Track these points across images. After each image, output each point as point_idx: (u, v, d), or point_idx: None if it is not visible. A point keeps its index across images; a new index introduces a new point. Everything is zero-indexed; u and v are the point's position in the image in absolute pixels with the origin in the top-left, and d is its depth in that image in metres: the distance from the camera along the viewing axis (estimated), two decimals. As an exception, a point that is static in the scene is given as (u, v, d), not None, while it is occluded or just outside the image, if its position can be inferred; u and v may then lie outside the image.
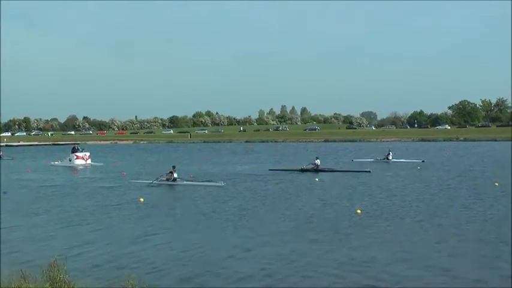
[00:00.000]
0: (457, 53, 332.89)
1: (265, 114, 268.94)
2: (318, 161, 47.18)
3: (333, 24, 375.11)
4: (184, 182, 36.92)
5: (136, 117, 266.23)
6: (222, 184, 35.03)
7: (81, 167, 57.55)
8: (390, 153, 59.32)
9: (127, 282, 11.86)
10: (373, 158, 61.10)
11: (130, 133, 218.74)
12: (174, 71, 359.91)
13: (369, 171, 44.82)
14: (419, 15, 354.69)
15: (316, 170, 46.00)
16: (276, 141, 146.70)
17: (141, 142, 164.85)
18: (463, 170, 46.07)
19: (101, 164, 60.53)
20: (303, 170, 46.26)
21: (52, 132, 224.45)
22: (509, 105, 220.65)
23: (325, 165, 48.72)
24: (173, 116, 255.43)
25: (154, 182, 37.17)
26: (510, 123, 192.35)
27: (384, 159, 58.49)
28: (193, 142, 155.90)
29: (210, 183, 35.90)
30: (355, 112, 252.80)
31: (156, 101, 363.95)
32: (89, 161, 61.73)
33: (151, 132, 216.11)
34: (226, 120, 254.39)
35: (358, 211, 24.11)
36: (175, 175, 36.89)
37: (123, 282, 12.05)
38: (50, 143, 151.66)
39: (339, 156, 70.65)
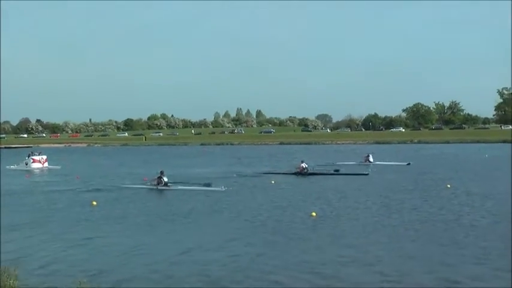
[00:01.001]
0: (410, 56, 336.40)
1: (221, 117, 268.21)
2: (304, 164, 45.75)
3: (285, 28, 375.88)
4: (179, 187, 35.27)
5: (90, 120, 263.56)
6: (223, 189, 33.38)
7: (37, 171, 56.45)
8: (370, 155, 58.46)
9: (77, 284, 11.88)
10: (354, 161, 59.73)
11: (85, 136, 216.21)
12: (128, 74, 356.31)
13: (367, 174, 44.29)
14: (373, 19, 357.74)
15: (306, 173, 44.87)
16: (231, 144, 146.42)
17: (96, 145, 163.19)
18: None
19: (59, 167, 59.35)
20: (296, 173, 45.19)
21: (4, 135, 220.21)
22: (462, 108, 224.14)
23: (316, 169, 47.28)
24: (128, 119, 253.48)
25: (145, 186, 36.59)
26: (463, 126, 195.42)
27: (365, 161, 57.52)
28: (148, 145, 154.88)
29: (209, 188, 34.44)
30: (311, 115, 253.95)
31: (111, 104, 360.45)
32: (46, 164, 60.66)
33: (105, 135, 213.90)
34: (181, 123, 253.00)
35: (313, 214, 24.03)
36: (165, 179, 35.76)
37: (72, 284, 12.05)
38: (3, 146, 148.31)
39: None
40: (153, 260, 16.26)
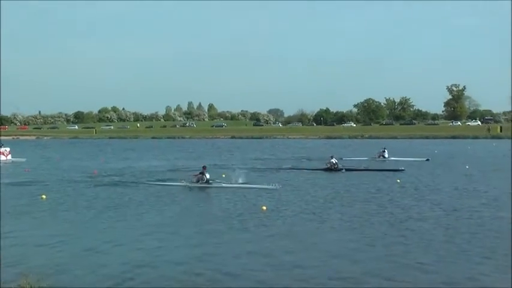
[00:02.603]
0: (362, 53, 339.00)
1: (172, 110, 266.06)
2: (333, 160, 43.88)
3: (237, 23, 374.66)
4: (223, 185, 32.00)
5: (40, 112, 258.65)
6: (277, 187, 30.74)
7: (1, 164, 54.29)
8: (386, 151, 55.74)
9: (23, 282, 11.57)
10: (367, 156, 56.70)
11: (33, 128, 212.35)
12: (78, 66, 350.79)
13: (403, 170, 42.34)
14: (325, 16, 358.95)
15: (337, 169, 42.90)
16: (183, 138, 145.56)
17: (45, 138, 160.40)
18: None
19: (24, 159, 57.66)
20: (325, 170, 43.28)
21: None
22: (412, 104, 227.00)
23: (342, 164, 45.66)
24: (78, 112, 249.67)
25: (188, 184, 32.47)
26: (413, 121, 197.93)
27: (380, 157, 54.84)
28: (98, 138, 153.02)
29: (262, 186, 31.86)
30: (263, 109, 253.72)
31: (61, 96, 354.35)
32: (9, 157, 58.53)
33: (55, 128, 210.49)
34: (132, 116, 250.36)
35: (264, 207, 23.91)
36: (207, 176, 31.96)
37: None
38: None
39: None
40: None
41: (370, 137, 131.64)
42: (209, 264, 14.98)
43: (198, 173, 32.49)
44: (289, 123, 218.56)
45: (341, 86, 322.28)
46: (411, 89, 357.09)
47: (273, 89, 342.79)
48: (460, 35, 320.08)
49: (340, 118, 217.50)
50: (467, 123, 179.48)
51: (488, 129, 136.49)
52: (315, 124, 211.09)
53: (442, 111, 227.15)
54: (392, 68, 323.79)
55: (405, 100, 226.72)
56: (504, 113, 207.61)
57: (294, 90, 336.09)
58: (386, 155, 54.83)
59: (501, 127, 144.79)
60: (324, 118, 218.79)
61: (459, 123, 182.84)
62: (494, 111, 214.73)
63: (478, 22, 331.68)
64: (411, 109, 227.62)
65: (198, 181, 31.97)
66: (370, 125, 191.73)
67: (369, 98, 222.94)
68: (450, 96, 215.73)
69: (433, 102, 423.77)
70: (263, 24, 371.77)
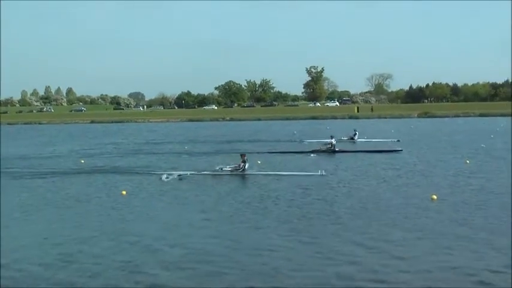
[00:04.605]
0: (222, 36, 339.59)
1: (28, 95, 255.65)
2: (333, 140, 41.61)
3: (93, 7, 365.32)
4: (261, 173, 29.09)
5: None
6: (323, 173, 27.81)
7: None
8: (357, 133, 53.05)
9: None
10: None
11: None
12: None
13: (401, 150, 40.58)
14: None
15: (334, 151, 40.37)
16: (40, 123, 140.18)
17: None
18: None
19: None
20: (315, 151, 40.46)
21: None
22: (273, 86, 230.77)
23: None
24: None
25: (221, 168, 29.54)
26: (274, 103, 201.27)
27: (349, 139, 51.63)
28: None
29: (307, 172, 28.96)
30: (123, 93, 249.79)
31: None
32: None
33: None
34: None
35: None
36: (247, 165, 29.14)
37: None
38: None
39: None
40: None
41: (231, 120, 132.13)
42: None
43: (240, 161, 29.34)
44: (150, 107, 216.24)
45: (202, 69, 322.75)
46: (272, 71, 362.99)
47: (134, 72, 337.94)
48: (319, 17, 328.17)
49: (202, 101, 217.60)
50: (326, 104, 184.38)
51: (371, 109, 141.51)
52: (176, 107, 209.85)
53: (302, 93, 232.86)
54: (253, 50, 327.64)
55: (266, 82, 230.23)
56: (361, 94, 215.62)
57: (155, 73, 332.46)
58: (356, 138, 52.16)
59: (358, 107, 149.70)
60: (186, 101, 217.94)
61: (318, 104, 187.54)
62: (352, 92, 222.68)
63: (336, 5, 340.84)
64: (272, 91, 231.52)
65: (237, 169, 29.03)
66: (232, 107, 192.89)
67: (230, 81, 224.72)
68: (309, 78, 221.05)
69: (293, 84, 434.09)
70: (120, 6, 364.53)
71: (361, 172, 29.34)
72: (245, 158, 29.43)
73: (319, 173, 27.82)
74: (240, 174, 28.61)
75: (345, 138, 51.73)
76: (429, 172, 28.53)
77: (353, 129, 55.03)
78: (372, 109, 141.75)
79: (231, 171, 29.05)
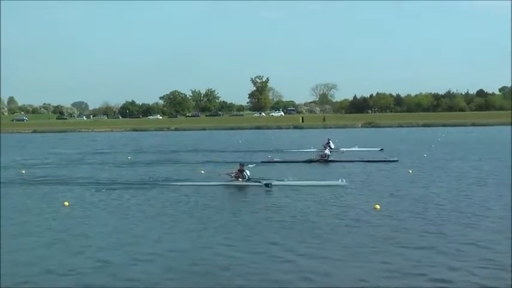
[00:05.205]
0: (167, 45, 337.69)
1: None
2: (327, 150, 41.53)
3: (33, 13, 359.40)
4: (285, 182, 27.58)
5: None
6: (344, 183, 26.55)
7: None
8: (330, 141, 50.47)
9: None
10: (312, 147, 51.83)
11: None
12: None
13: (397, 161, 39.80)
14: (129, 6, 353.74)
15: (327, 160, 40.04)
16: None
17: None
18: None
19: None
20: (310, 161, 40.15)
21: None
22: (218, 95, 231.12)
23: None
24: None
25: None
26: (219, 113, 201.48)
27: (326, 149, 47.00)
28: None
29: (328, 182, 27.70)
30: (66, 102, 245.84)
31: None
32: None
33: None
34: None
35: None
36: (248, 173, 28.33)
37: None
38: None
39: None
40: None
41: (176, 129, 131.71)
42: None
43: (236, 170, 28.49)
44: (94, 116, 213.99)
45: (147, 78, 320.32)
46: (216, 81, 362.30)
47: (77, 81, 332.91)
48: (265, 27, 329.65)
49: (146, 110, 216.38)
50: (271, 114, 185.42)
51: (324, 119, 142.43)
52: (120, 117, 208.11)
53: (247, 103, 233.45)
54: (198, 60, 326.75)
55: (211, 92, 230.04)
56: (305, 104, 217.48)
57: (99, 82, 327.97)
58: (332, 146, 49.51)
59: (302, 117, 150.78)
60: (130, 111, 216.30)
61: (263, 113, 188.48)
62: (297, 102, 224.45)
63: (281, 15, 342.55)
64: (217, 101, 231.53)
65: (237, 178, 28.16)
66: (176, 117, 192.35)
67: (175, 90, 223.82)
68: (254, 88, 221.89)
69: (239, 94, 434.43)
70: (62, 11, 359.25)
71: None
72: (243, 166, 28.67)
73: (340, 183, 26.57)
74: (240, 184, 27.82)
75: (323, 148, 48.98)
76: (370, 182, 28.99)
77: (327, 138, 52.55)
78: (324, 119, 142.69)
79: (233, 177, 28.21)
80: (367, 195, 24.08)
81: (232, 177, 28.31)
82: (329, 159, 40.39)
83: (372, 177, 31.24)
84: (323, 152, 41.80)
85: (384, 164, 38.22)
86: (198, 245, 15.87)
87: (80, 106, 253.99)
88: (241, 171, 28.24)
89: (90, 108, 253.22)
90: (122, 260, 14.45)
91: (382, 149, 50.54)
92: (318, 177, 30.33)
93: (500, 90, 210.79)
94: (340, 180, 26.82)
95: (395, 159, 40.60)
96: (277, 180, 27.72)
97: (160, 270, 13.49)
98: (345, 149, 50.29)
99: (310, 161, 40.26)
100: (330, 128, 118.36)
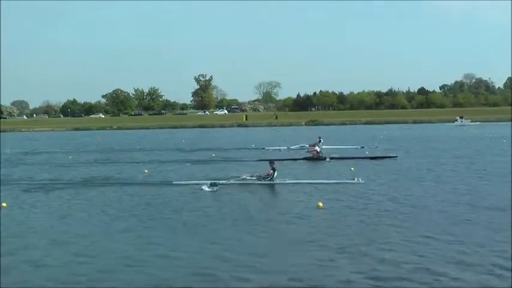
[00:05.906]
0: (111, 42, 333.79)
1: None
2: (317, 148, 40.75)
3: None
4: (288, 181, 26.94)
5: None
6: (360, 181, 26.26)
7: None
8: (321, 140, 49.37)
9: None
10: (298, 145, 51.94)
11: None
12: None
13: (396, 157, 39.60)
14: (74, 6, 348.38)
15: (320, 158, 39.06)
16: None
17: None
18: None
19: None
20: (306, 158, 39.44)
21: None
22: (162, 94, 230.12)
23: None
24: None
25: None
26: (162, 111, 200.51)
27: (317, 146, 45.49)
28: None
29: (342, 180, 27.34)
30: (5, 101, 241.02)
31: None
32: None
33: None
34: None
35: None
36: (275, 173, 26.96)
37: None
38: None
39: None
40: None
41: (119, 128, 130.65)
42: None
43: (270, 169, 27.06)
44: (34, 115, 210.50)
45: (89, 76, 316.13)
46: (160, 80, 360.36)
47: (16, 79, 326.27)
48: (209, 25, 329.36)
49: (89, 109, 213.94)
50: (215, 112, 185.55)
51: (276, 117, 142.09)
52: (61, 116, 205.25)
53: (191, 101, 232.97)
54: (141, 58, 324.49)
55: (154, 90, 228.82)
56: (249, 102, 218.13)
57: (40, 80, 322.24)
58: (321, 144, 47.88)
59: (246, 116, 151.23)
60: (72, 109, 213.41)
61: (207, 112, 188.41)
62: (240, 100, 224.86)
63: (225, 12, 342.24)
64: (160, 99, 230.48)
65: (267, 177, 26.86)
66: (119, 115, 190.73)
67: (117, 89, 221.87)
68: (198, 86, 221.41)
69: (182, 92, 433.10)
70: (3, 4, 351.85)
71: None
72: (274, 166, 27.27)
73: (356, 181, 26.42)
74: (268, 183, 26.65)
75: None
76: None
77: (318, 136, 51.70)
78: (276, 117, 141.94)
79: (258, 179, 26.91)
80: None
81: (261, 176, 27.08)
82: (321, 156, 39.48)
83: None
84: (314, 148, 41.17)
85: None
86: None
87: (20, 105, 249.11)
88: (273, 169, 27.03)
89: (31, 107, 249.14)
90: (56, 262, 14.16)
91: (363, 147, 50.33)
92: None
93: (440, 88, 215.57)
94: (357, 178, 26.67)
95: (395, 155, 40.56)
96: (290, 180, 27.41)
97: (96, 270, 13.29)
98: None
99: (306, 159, 39.72)
100: (275, 126, 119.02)
